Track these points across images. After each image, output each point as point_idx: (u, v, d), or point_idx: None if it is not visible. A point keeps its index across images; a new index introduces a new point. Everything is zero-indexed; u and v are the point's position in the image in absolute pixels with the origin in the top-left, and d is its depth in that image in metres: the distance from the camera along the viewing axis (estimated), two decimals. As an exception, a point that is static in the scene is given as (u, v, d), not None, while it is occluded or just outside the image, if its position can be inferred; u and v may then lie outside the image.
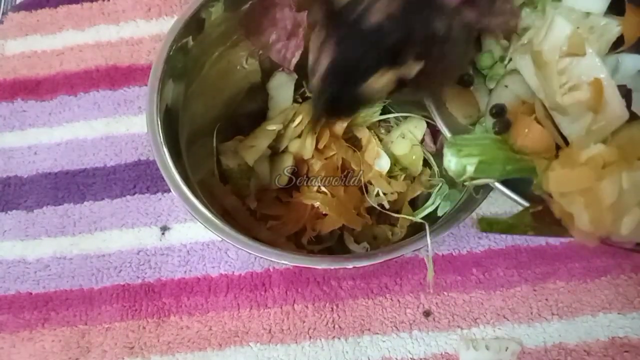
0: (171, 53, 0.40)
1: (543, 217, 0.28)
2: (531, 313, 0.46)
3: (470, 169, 0.28)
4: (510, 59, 0.33)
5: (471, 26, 0.28)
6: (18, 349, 0.47)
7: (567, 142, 0.29)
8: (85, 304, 0.49)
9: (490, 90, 0.33)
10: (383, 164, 0.47)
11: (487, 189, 0.37)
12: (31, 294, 0.49)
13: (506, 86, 0.32)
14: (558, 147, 0.29)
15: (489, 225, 0.30)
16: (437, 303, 0.47)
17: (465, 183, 0.29)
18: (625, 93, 0.28)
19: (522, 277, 0.47)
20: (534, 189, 0.28)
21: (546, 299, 0.47)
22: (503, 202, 0.50)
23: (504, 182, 0.30)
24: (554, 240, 0.49)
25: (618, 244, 0.27)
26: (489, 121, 0.31)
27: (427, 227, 0.35)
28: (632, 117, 0.28)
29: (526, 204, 0.29)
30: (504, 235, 0.49)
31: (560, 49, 0.28)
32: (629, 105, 0.28)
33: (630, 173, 0.25)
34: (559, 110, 0.28)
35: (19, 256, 0.51)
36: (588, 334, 0.45)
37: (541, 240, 0.49)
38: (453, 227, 0.36)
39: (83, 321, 0.48)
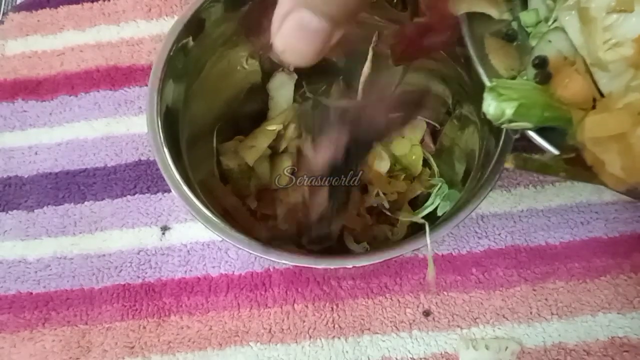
0: (171, 53, 0.40)
1: (574, 164, 0.29)
2: (531, 313, 0.46)
3: (510, 112, 0.29)
4: (555, 20, 0.33)
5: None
6: (18, 349, 0.48)
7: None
8: (85, 304, 0.49)
9: (533, 47, 0.34)
10: (383, 164, 0.47)
11: (489, 183, 0.36)
12: (32, 293, 0.50)
13: (550, 41, 0.32)
14: (595, 102, 0.30)
15: (523, 162, 0.31)
16: (436, 303, 0.47)
17: (503, 126, 0.30)
18: None
19: (522, 277, 0.48)
20: (568, 138, 0.29)
21: (546, 299, 0.47)
22: (503, 202, 0.50)
23: (537, 132, 0.30)
24: (553, 240, 0.49)
25: None
26: (531, 72, 0.32)
27: (427, 225, 0.35)
28: None
29: (557, 152, 0.30)
30: (503, 236, 0.49)
31: (608, 4, 0.28)
32: None
33: None
34: (600, 66, 0.29)
35: (19, 256, 0.51)
36: (588, 334, 0.46)
37: (540, 240, 0.49)
38: (452, 226, 0.36)
39: (83, 321, 0.48)
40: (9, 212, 0.53)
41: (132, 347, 0.47)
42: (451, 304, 0.47)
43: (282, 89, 0.49)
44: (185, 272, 0.49)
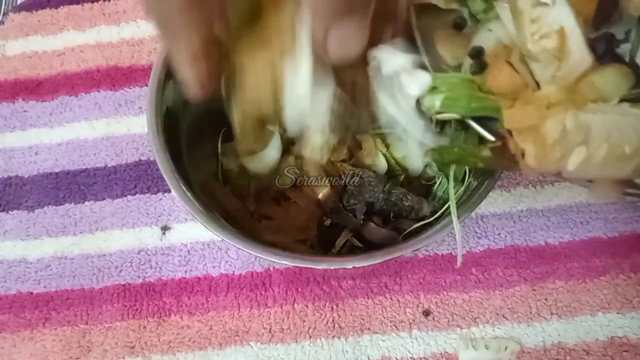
0: (172, 54, 0.40)
1: (501, 152, 0.30)
2: (530, 312, 0.47)
3: (437, 103, 0.31)
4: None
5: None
6: (19, 349, 0.48)
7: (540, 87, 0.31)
8: (86, 304, 0.49)
9: (474, 36, 0.35)
10: (381, 165, 0.47)
11: (486, 189, 0.37)
12: (32, 293, 0.50)
13: (490, 30, 0.33)
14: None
15: (440, 154, 0.34)
16: (436, 302, 0.47)
17: (434, 116, 0.32)
18: (608, 38, 0.29)
19: (521, 277, 0.48)
20: (498, 126, 0.31)
21: (545, 299, 0.47)
22: (502, 202, 0.50)
23: (477, 120, 0.32)
24: (552, 240, 0.49)
25: (570, 179, 0.30)
26: (467, 62, 0.33)
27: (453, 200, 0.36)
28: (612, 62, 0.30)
29: (492, 139, 0.31)
30: (503, 235, 0.49)
31: None
32: (610, 51, 0.29)
33: (575, 113, 0.27)
34: (531, 57, 0.30)
35: (20, 256, 0.51)
36: (587, 334, 0.46)
37: (540, 240, 0.49)
38: (452, 227, 0.36)
39: (84, 321, 0.48)
40: (10, 212, 0.53)
41: (133, 347, 0.47)
42: (451, 304, 0.47)
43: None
44: (186, 272, 0.49)
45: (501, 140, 0.30)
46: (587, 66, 0.28)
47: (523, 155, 0.28)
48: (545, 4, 0.29)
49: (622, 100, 0.29)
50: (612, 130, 0.28)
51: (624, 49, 0.30)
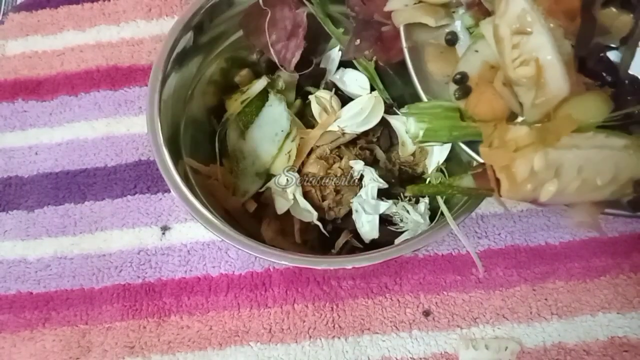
0: (172, 53, 0.40)
1: (483, 177, 0.32)
2: (530, 313, 0.46)
3: (421, 133, 0.33)
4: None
5: None
6: (19, 349, 0.48)
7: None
8: (85, 304, 0.49)
9: (460, 58, 0.35)
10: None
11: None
12: (32, 293, 0.50)
13: (476, 51, 0.34)
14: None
15: (419, 189, 0.36)
16: (436, 303, 0.47)
17: (419, 145, 0.35)
18: (599, 49, 0.30)
19: (522, 277, 0.48)
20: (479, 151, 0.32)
21: (545, 299, 0.47)
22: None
23: (468, 143, 0.34)
24: (553, 240, 0.49)
25: (547, 205, 0.31)
26: (452, 87, 0.34)
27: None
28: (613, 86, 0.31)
29: (481, 161, 0.33)
30: (503, 235, 0.49)
31: (512, 27, 0.30)
32: (602, 61, 0.31)
33: (544, 153, 0.29)
34: (512, 82, 0.31)
35: (19, 256, 0.51)
36: (587, 334, 0.46)
37: (540, 240, 0.49)
38: (452, 227, 0.36)
39: (84, 321, 0.48)
40: (9, 212, 0.53)
41: (132, 347, 0.47)
42: (451, 304, 0.47)
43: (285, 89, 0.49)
44: (186, 272, 0.49)
45: (481, 166, 0.32)
46: (564, 95, 0.29)
47: (499, 185, 0.30)
48: (525, 32, 0.29)
49: (600, 127, 0.30)
50: (584, 166, 0.29)
51: (621, 51, 0.31)
